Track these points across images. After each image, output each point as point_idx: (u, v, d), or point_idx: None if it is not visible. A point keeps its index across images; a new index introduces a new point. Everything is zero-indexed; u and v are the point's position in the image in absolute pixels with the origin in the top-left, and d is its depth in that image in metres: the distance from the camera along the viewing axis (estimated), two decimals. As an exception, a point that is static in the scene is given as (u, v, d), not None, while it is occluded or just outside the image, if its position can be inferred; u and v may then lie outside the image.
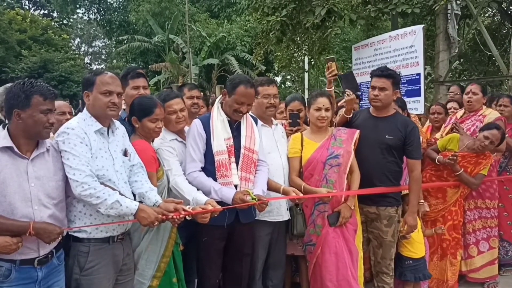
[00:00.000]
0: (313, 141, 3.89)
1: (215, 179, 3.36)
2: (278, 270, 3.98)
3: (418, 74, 7.17)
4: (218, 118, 3.45)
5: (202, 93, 4.53)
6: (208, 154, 3.39)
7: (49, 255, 2.57)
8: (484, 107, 4.96)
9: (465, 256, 4.73)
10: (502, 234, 5.01)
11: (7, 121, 2.76)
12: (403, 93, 7.12)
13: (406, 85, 7.40)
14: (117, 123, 2.98)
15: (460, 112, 5.16)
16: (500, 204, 4.91)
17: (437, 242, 4.51)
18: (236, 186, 3.36)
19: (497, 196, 4.81)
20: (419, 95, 7.10)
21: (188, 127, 3.65)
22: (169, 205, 2.86)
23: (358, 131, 3.89)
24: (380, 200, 3.87)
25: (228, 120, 3.46)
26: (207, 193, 3.27)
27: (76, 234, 2.70)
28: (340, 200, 3.77)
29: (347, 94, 4.05)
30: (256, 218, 3.64)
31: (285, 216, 3.86)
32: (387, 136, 3.83)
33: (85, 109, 2.83)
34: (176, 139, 3.56)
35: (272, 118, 4.07)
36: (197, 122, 3.47)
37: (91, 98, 2.78)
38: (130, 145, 3.03)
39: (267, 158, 3.73)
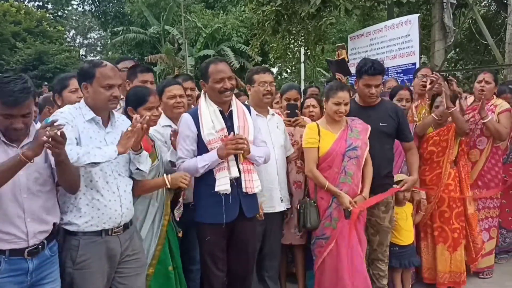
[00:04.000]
0: (330, 131, 3.78)
1: (212, 173, 3.20)
2: (273, 261, 3.96)
3: (414, 64, 7.21)
4: (209, 109, 3.29)
5: (194, 83, 4.50)
6: (202, 149, 3.26)
7: (40, 246, 2.51)
8: (495, 96, 4.89)
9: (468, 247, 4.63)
10: (500, 221, 5.01)
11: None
12: (399, 82, 7.14)
13: (401, 74, 7.43)
14: (121, 117, 2.97)
15: (470, 100, 5.09)
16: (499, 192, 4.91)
17: (449, 235, 4.35)
18: (236, 180, 3.21)
19: (500, 186, 4.81)
20: (414, 84, 7.10)
21: None
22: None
23: (369, 126, 3.81)
24: (377, 187, 3.86)
25: (220, 111, 3.32)
26: (194, 171, 3.21)
27: (67, 227, 2.68)
28: (356, 192, 3.71)
29: (339, 78, 4.08)
30: None
31: (278, 207, 3.83)
32: (381, 124, 3.85)
33: (82, 100, 2.81)
34: (170, 125, 3.56)
35: (269, 108, 4.01)
36: (186, 116, 3.34)
37: (90, 90, 2.74)
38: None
39: None
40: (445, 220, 4.34)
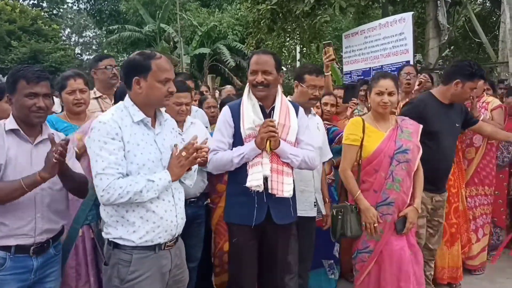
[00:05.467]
0: (377, 129, 3.38)
1: (245, 170, 2.99)
2: (301, 269, 3.58)
3: (408, 62, 7.22)
4: (249, 103, 3.09)
5: (193, 83, 4.53)
6: (238, 144, 3.06)
7: (45, 244, 2.54)
8: (485, 94, 5.00)
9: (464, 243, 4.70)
10: (495, 220, 5.09)
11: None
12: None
13: (395, 72, 7.43)
14: (165, 115, 2.68)
15: None
16: (496, 192, 4.97)
17: (447, 230, 4.36)
18: (266, 179, 2.94)
19: (494, 183, 4.86)
20: (409, 82, 7.14)
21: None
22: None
23: (421, 125, 3.50)
24: (443, 186, 3.87)
25: (260, 105, 3.09)
26: (229, 162, 3.01)
27: (117, 241, 2.40)
28: (406, 201, 3.33)
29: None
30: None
31: (311, 212, 3.56)
32: (457, 125, 3.88)
33: (126, 97, 2.51)
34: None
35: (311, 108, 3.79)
36: (225, 110, 3.18)
37: (144, 86, 2.41)
38: (181, 141, 2.75)
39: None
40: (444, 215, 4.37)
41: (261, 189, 2.91)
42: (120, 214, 2.39)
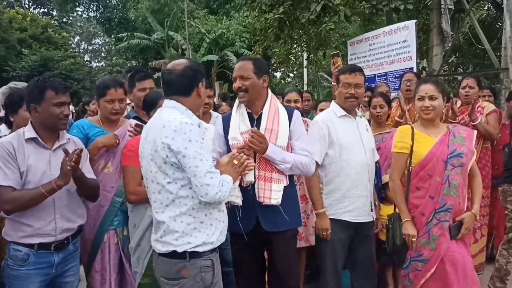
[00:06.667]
0: (427, 135, 3.25)
1: None
2: (362, 278, 3.51)
3: (411, 68, 7.36)
4: (238, 111, 3.11)
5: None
6: (230, 151, 3.03)
7: (65, 241, 2.76)
8: (480, 99, 5.12)
9: None
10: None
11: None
12: (397, 87, 7.31)
13: (399, 79, 7.56)
14: (204, 123, 2.67)
15: (458, 104, 5.30)
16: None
17: None
18: (252, 185, 2.94)
19: (490, 186, 4.96)
20: (412, 89, 7.27)
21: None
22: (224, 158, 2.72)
23: (476, 131, 3.45)
24: None
25: (248, 113, 3.09)
26: None
27: (198, 248, 2.38)
28: (463, 208, 3.18)
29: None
30: (331, 217, 3.32)
31: (368, 217, 3.45)
32: None
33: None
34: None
35: (357, 110, 3.69)
36: (217, 121, 3.25)
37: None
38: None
39: (349, 152, 3.34)
40: None
41: (238, 204, 2.90)
42: (199, 219, 2.39)
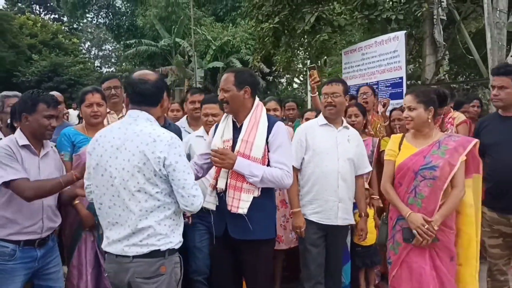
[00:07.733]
0: (412, 145, 3.36)
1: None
2: (329, 278, 3.73)
3: (401, 78, 7.55)
4: (225, 120, 3.23)
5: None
6: None
7: (47, 238, 3.06)
8: (452, 110, 5.33)
9: None
10: None
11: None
12: (387, 95, 7.53)
13: (390, 88, 7.78)
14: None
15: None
16: None
17: None
18: (222, 192, 3.09)
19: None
20: (402, 98, 7.45)
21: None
22: None
23: (476, 140, 3.30)
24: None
25: (234, 122, 3.20)
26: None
27: (176, 246, 2.55)
28: (430, 216, 3.19)
29: None
30: (305, 217, 3.63)
31: (335, 220, 3.65)
32: None
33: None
34: (202, 136, 3.91)
35: (343, 119, 3.90)
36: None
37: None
38: None
39: (321, 158, 3.62)
40: None
41: (214, 208, 3.13)
42: (176, 221, 2.55)
